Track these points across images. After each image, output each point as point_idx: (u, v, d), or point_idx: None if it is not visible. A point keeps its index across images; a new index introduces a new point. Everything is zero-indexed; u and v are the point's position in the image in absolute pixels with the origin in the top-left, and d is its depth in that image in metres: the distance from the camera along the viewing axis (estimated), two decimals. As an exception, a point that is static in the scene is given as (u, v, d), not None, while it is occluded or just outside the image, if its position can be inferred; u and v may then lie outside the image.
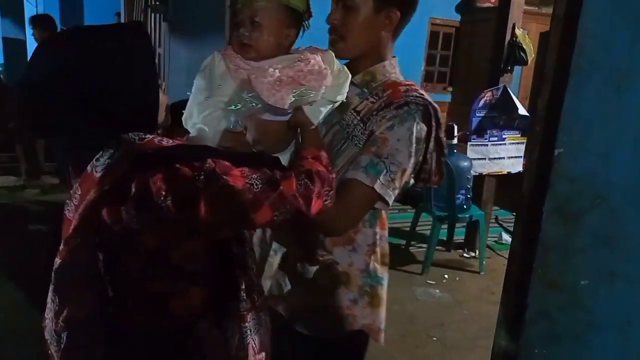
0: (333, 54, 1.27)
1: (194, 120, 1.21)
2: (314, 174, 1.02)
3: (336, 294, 1.36)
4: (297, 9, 1.21)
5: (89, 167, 0.98)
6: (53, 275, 1.03)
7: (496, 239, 5.04)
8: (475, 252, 4.65)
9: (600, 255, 0.71)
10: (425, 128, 1.25)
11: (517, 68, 4.56)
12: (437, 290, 4.07)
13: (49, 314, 1.06)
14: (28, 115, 1.05)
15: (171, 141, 1.02)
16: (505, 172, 4.48)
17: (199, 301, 1.07)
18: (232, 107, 1.15)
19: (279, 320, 1.36)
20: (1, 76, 6.26)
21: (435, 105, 1.28)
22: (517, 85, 7.13)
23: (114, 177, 0.94)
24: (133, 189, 0.92)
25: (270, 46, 1.18)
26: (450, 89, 9.23)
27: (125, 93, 1.03)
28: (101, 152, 0.97)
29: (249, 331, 1.14)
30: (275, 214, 0.96)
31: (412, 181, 1.32)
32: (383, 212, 1.38)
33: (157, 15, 4.19)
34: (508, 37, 4.33)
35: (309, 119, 1.19)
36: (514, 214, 5.68)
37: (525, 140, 4.46)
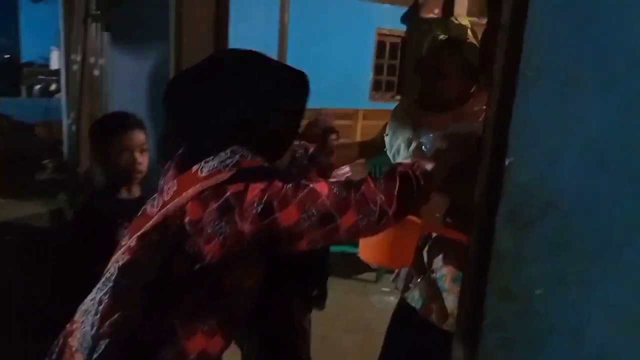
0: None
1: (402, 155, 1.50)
2: (396, 173, 1.06)
3: None
4: (473, 64, 1.43)
5: (194, 167, 1.03)
6: (115, 272, 1.02)
7: (447, 243, 5.12)
8: (427, 258, 4.71)
9: (552, 261, 0.71)
10: None
11: (461, 77, 4.68)
12: (392, 297, 4.09)
13: (85, 317, 1.02)
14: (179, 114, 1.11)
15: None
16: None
17: (217, 352, 1.05)
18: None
19: (430, 328, 1.52)
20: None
21: None
22: (462, 93, 7.32)
23: (219, 180, 0.99)
24: (228, 193, 0.97)
25: (453, 95, 1.43)
26: (398, 97, 9.42)
27: (275, 122, 1.08)
28: (212, 157, 1.03)
29: None
30: (359, 217, 0.99)
31: None
32: None
33: (98, 25, 4.03)
34: (452, 47, 4.44)
35: None
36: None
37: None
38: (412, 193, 1.06)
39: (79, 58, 4.82)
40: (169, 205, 1.01)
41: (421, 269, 1.59)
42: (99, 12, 3.67)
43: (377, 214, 1.00)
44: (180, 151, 1.18)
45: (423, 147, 1.43)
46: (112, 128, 1.74)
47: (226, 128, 1.06)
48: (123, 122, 1.76)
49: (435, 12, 8.01)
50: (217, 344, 1.03)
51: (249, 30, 6.61)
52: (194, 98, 1.08)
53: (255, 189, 0.97)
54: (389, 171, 1.08)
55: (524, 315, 0.74)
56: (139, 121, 1.77)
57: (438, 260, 1.54)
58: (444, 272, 1.51)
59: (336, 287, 4.11)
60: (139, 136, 1.73)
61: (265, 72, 1.10)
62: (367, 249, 1.46)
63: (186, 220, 0.98)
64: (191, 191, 0.99)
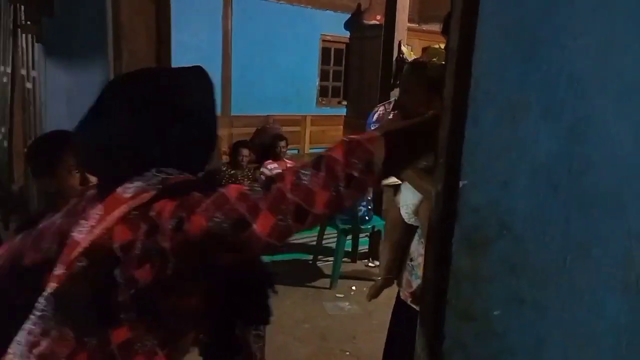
0: None
1: None
2: (322, 163, 0.91)
3: None
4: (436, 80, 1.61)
5: (119, 189, 1.00)
6: (43, 301, 0.98)
7: (398, 246, 5.22)
8: (379, 261, 4.79)
9: (509, 282, 0.72)
10: None
11: (405, 82, 4.81)
12: (347, 303, 4.12)
13: (17, 348, 0.97)
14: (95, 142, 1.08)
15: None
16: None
17: None
18: None
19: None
20: None
21: None
22: (406, 97, 7.51)
23: (143, 200, 0.97)
24: (152, 212, 0.95)
25: (415, 106, 1.65)
26: (344, 102, 9.51)
27: (188, 130, 1.06)
28: (137, 177, 1.01)
29: None
30: (278, 217, 0.87)
31: None
32: None
33: (29, 36, 3.82)
34: (395, 53, 4.56)
35: None
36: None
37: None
38: (345, 182, 0.90)
39: (9, 70, 4.56)
40: (95, 230, 0.98)
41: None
42: (29, 22, 3.47)
43: (293, 213, 0.88)
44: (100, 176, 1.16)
45: None
46: (64, 146, 1.64)
47: (148, 146, 1.04)
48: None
49: (377, 19, 8.15)
50: None
51: (192, 39, 6.48)
52: (109, 122, 1.06)
53: (171, 205, 0.94)
54: (315, 160, 0.94)
55: (483, 336, 0.74)
56: None
57: (416, 251, 1.89)
58: (419, 261, 1.80)
59: (291, 295, 4.09)
60: None
61: (177, 81, 1.11)
62: None
63: (115, 244, 0.95)
64: (117, 212, 0.96)
